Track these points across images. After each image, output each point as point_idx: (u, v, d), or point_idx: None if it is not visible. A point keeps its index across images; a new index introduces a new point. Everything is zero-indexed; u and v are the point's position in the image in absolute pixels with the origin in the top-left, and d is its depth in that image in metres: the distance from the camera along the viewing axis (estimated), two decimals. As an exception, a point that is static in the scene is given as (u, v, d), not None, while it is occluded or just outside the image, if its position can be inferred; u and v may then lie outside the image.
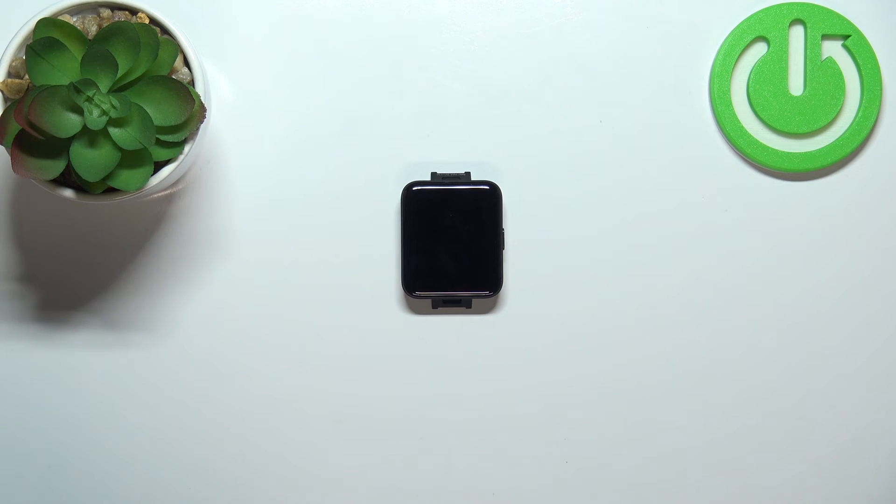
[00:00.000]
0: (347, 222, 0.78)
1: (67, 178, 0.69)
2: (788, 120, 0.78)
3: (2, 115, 0.66)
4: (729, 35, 0.77)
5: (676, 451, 0.79)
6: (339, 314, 0.78)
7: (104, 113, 0.65)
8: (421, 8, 0.78)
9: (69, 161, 0.66)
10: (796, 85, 0.78)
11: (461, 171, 0.77)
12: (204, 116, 0.68)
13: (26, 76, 0.68)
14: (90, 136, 0.65)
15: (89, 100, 0.64)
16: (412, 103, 0.78)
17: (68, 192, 0.68)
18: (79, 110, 0.65)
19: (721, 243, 0.78)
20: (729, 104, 0.78)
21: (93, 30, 0.69)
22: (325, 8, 0.78)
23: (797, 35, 0.78)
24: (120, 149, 0.66)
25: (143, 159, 0.67)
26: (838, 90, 0.78)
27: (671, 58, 0.78)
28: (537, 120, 0.78)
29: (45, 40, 0.65)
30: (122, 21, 0.66)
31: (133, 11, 0.70)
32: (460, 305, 0.78)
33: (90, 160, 0.65)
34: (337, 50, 0.78)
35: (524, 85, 0.78)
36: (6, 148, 0.65)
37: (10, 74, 0.68)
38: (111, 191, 0.68)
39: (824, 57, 0.78)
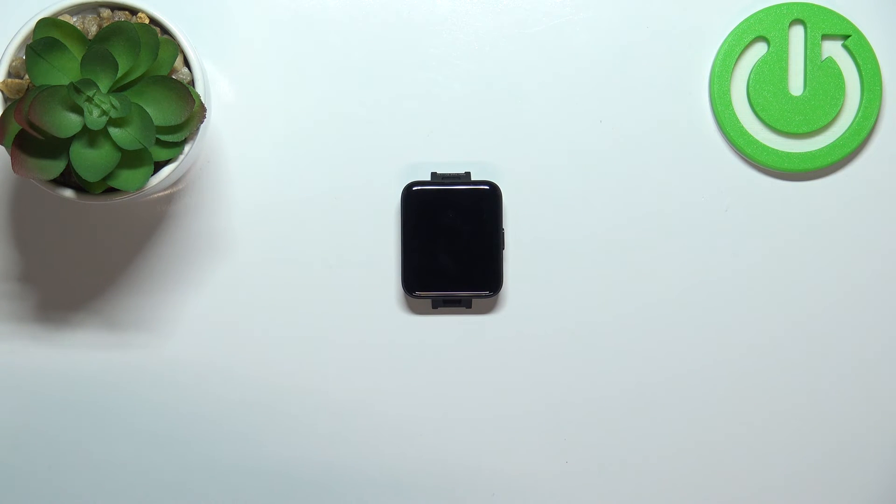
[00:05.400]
0: (347, 222, 0.78)
1: (67, 178, 0.69)
2: (788, 120, 0.78)
3: (2, 115, 0.66)
4: (729, 35, 0.77)
5: (677, 451, 0.79)
6: (339, 314, 0.78)
7: (104, 113, 0.65)
8: (421, 8, 0.78)
9: (69, 161, 0.66)
10: (796, 85, 0.78)
11: (461, 171, 0.77)
12: (204, 116, 0.68)
13: (26, 76, 0.68)
14: (90, 136, 0.65)
15: (89, 100, 0.64)
16: (412, 103, 0.78)
17: (68, 192, 0.68)
18: (79, 110, 0.65)
19: (721, 243, 0.78)
20: (729, 104, 0.78)
21: (93, 30, 0.69)
22: (325, 8, 0.78)
23: (797, 35, 0.78)
24: (120, 149, 0.66)
25: (143, 159, 0.67)
26: (838, 90, 0.78)
27: (671, 58, 0.78)
28: (537, 120, 0.78)
29: (45, 40, 0.65)
30: (122, 21, 0.66)
31: (133, 11, 0.70)
32: (460, 305, 0.78)
33: (90, 160, 0.65)
34: (337, 50, 0.78)
35: (524, 85, 0.78)
36: (6, 148, 0.65)
37: (10, 74, 0.68)
38: (111, 191, 0.68)
39: (824, 57, 0.78)
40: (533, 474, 0.79)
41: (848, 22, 0.77)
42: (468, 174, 0.77)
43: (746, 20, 0.77)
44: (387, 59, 0.78)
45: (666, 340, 0.78)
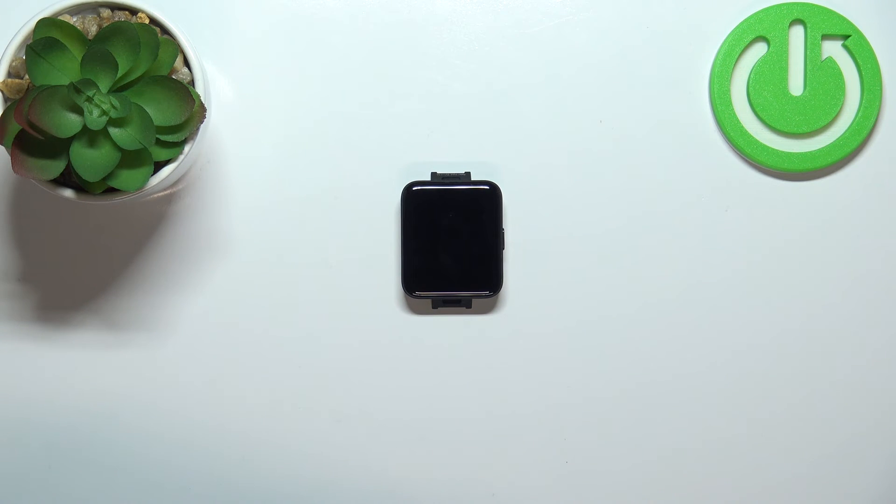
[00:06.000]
0: (347, 222, 0.78)
1: (67, 178, 0.69)
2: (788, 120, 0.78)
3: (2, 115, 0.66)
4: (729, 35, 0.77)
5: (677, 451, 0.79)
6: (339, 314, 0.78)
7: (104, 113, 0.65)
8: (421, 8, 0.78)
9: (69, 161, 0.66)
10: (796, 85, 0.78)
11: (461, 171, 0.77)
12: (204, 116, 0.68)
13: (26, 76, 0.68)
14: (90, 136, 0.65)
15: (89, 100, 0.64)
16: (412, 103, 0.78)
17: (68, 192, 0.68)
18: (79, 110, 0.65)
19: (721, 243, 0.78)
20: (729, 104, 0.78)
21: (93, 30, 0.69)
22: (325, 8, 0.78)
23: (797, 35, 0.78)
24: (120, 149, 0.66)
25: (143, 159, 0.67)
26: (838, 90, 0.78)
27: (671, 58, 0.78)
28: (537, 120, 0.78)
29: (45, 40, 0.65)
30: (122, 21, 0.66)
31: (133, 11, 0.70)
32: (460, 305, 0.78)
33: (90, 160, 0.65)
34: (337, 50, 0.78)
35: (524, 85, 0.78)
36: (6, 148, 0.65)
37: (10, 74, 0.68)
38: (111, 191, 0.68)
39: (824, 57, 0.78)
40: (533, 474, 0.79)
41: (848, 22, 0.77)
42: (468, 174, 0.77)
43: (746, 20, 0.77)
44: (387, 58, 0.78)
45: (666, 340, 0.78)
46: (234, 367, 0.78)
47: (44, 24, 0.66)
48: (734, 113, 0.78)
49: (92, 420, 0.78)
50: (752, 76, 0.78)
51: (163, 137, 0.67)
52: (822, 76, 0.77)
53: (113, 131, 0.65)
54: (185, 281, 0.78)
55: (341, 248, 0.78)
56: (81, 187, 0.68)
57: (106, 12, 0.70)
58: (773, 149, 0.78)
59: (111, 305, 0.78)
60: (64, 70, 0.66)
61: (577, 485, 0.79)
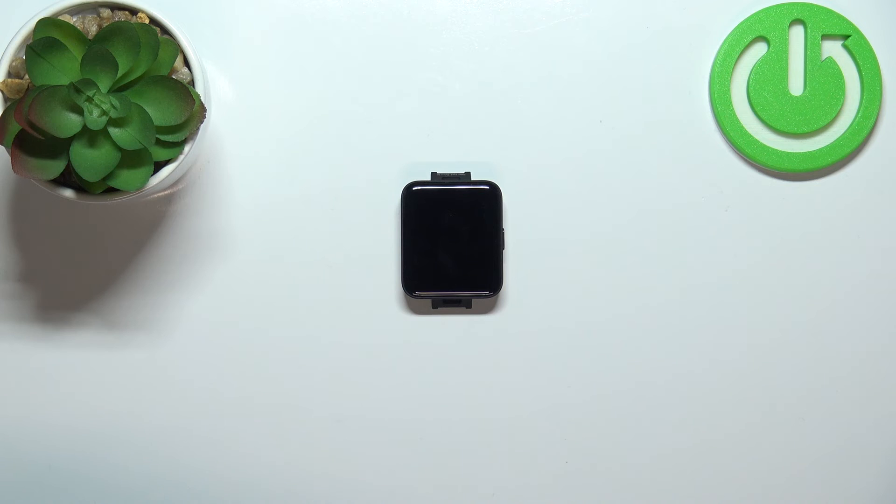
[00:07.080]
0: (347, 222, 0.78)
1: (67, 178, 0.69)
2: (788, 120, 0.78)
3: (2, 115, 0.66)
4: (729, 35, 0.77)
5: (676, 451, 0.79)
6: (339, 314, 0.78)
7: (104, 113, 0.65)
8: (421, 8, 0.78)
9: (69, 161, 0.66)
10: (796, 85, 0.78)
11: (461, 171, 0.77)
12: (204, 116, 0.68)
13: (26, 76, 0.68)
14: (90, 136, 0.65)
15: (89, 100, 0.64)
16: (412, 103, 0.78)
17: (68, 192, 0.68)
18: (79, 110, 0.65)
19: (721, 243, 0.78)
20: (729, 104, 0.78)
21: (93, 30, 0.69)
22: (325, 8, 0.78)
23: (797, 35, 0.78)
24: (120, 149, 0.66)
25: (143, 159, 0.67)
26: (838, 90, 0.78)
27: (671, 58, 0.78)
28: (537, 120, 0.78)
29: (45, 40, 0.65)
30: (122, 21, 0.66)
31: (133, 11, 0.70)
32: (460, 305, 0.78)
33: (90, 160, 0.65)
34: (337, 50, 0.78)
35: (524, 85, 0.78)
36: (6, 148, 0.65)
37: (10, 74, 0.69)
38: (111, 191, 0.68)
39: (824, 57, 0.78)
40: (533, 474, 0.79)
41: (848, 22, 0.77)
42: (468, 174, 0.77)
43: (746, 20, 0.77)
44: (387, 58, 0.78)
45: (666, 340, 0.78)
46: (234, 367, 0.78)
47: (44, 24, 0.66)
48: (734, 113, 0.78)
49: (92, 420, 0.78)
50: (752, 76, 0.78)
51: (163, 137, 0.67)
52: (822, 76, 0.77)
53: (113, 131, 0.65)
54: (185, 281, 0.78)
55: (341, 248, 0.78)
56: (81, 187, 0.68)
57: (106, 12, 0.70)
58: (773, 149, 0.78)
59: (111, 305, 0.78)
60: (64, 70, 0.66)
61: (577, 485, 0.79)
